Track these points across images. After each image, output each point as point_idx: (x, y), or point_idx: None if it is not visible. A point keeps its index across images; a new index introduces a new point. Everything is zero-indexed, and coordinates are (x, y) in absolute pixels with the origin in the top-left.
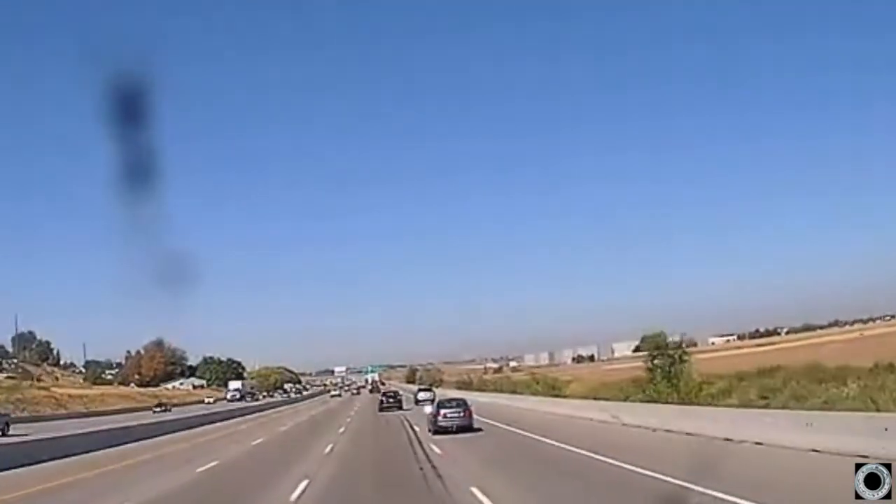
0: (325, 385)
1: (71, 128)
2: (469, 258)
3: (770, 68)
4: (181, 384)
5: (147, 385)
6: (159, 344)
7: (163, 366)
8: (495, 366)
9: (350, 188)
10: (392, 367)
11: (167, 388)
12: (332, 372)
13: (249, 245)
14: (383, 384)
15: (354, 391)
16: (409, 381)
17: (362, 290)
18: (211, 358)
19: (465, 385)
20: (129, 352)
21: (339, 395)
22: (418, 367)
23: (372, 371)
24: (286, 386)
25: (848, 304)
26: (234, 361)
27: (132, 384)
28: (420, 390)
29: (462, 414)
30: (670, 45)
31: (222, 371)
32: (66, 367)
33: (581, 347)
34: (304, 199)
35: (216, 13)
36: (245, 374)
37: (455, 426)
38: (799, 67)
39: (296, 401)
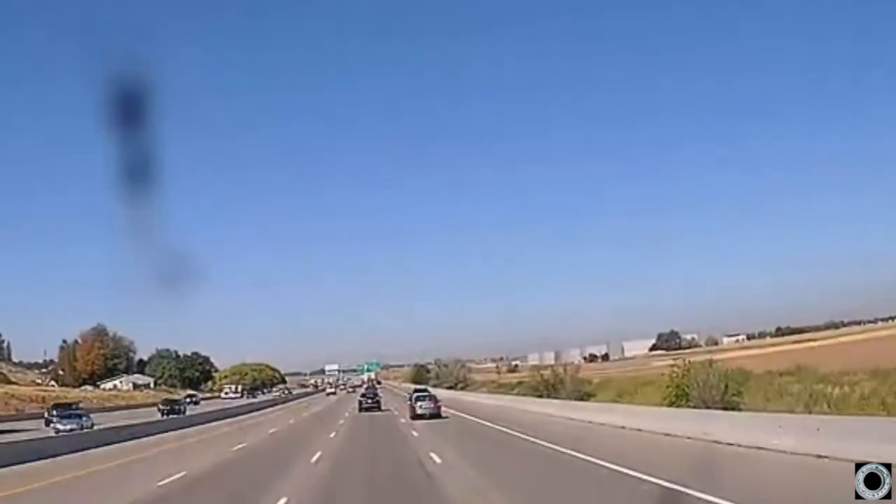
0: (307, 386)
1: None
2: (463, 258)
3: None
4: (122, 382)
5: (84, 383)
6: (100, 332)
7: (102, 359)
8: (496, 365)
9: (349, 186)
10: (388, 366)
11: (88, 389)
12: (324, 371)
13: (245, 244)
14: (379, 383)
15: (350, 389)
16: (415, 381)
17: (358, 289)
18: (166, 351)
19: (550, 387)
20: (64, 342)
21: (335, 393)
22: (431, 365)
23: (368, 369)
24: (226, 388)
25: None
26: (198, 356)
27: (52, 383)
28: (416, 391)
29: (433, 405)
30: (692, 42)
31: (178, 367)
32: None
33: (589, 347)
34: (301, 197)
35: (217, 12)
36: (214, 372)
37: (428, 413)
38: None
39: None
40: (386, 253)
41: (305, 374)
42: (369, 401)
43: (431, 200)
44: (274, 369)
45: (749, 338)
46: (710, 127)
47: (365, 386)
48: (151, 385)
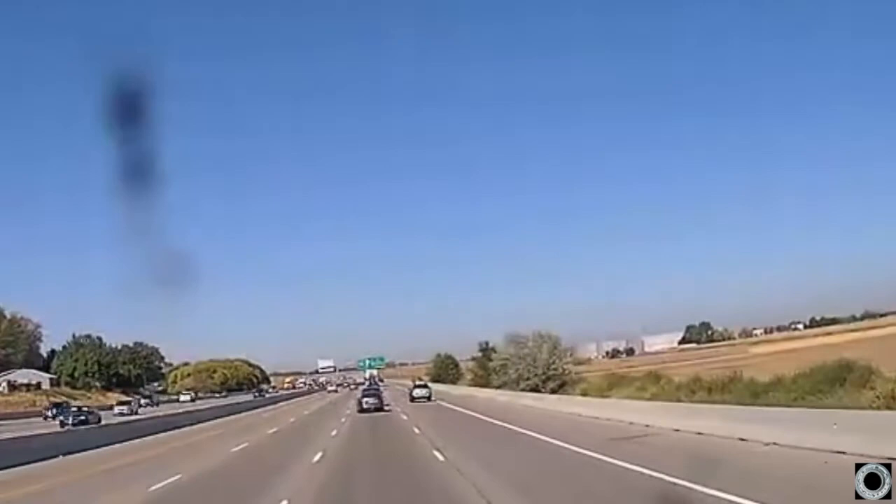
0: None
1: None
2: (466, 256)
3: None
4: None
5: None
6: None
7: None
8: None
9: (352, 184)
10: (393, 364)
11: None
12: (318, 371)
13: (242, 241)
14: (381, 381)
15: (353, 387)
16: (435, 378)
17: (358, 289)
18: (87, 338)
19: None
20: None
21: (336, 391)
22: (483, 351)
23: (370, 366)
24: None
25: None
26: (142, 347)
27: None
28: (416, 387)
29: (377, 401)
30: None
31: (100, 361)
32: None
33: (606, 342)
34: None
35: (218, 12)
36: (171, 369)
37: (373, 408)
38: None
39: None
40: (390, 252)
41: (306, 374)
42: (371, 399)
43: (435, 197)
44: (253, 365)
45: (767, 331)
46: (733, 123)
47: (367, 384)
48: (47, 385)
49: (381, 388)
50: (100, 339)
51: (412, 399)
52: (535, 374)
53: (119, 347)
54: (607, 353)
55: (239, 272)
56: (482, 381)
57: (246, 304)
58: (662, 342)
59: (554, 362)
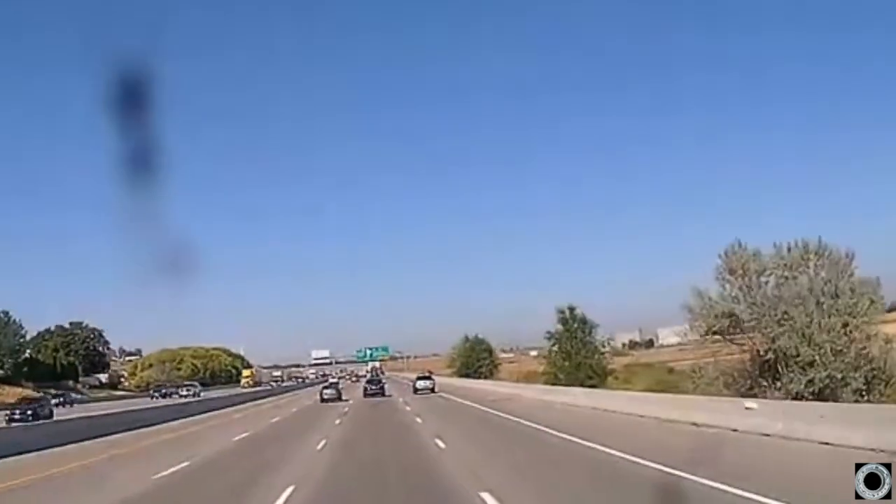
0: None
1: None
2: (469, 246)
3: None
4: None
5: None
6: None
7: None
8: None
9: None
10: (397, 357)
11: None
12: (312, 362)
13: (241, 230)
14: (383, 373)
15: (354, 379)
16: (461, 373)
17: (362, 277)
18: (6, 315)
19: None
20: None
21: (338, 384)
22: (565, 323)
23: (372, 357)
24: None
25: None
26: (81, 328)
27: None
28: (419, 379)
29: (378, 388)
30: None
31: (16, 341)
32: None
33: (619, 333)
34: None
35: (221, 5)
36: (112, 356)
37: (376, 393)
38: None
39: None
40: (393, 243)
41: (304, 366)
42: (330, 391)
43: (438, 188)
44: (235, 356)
45: None
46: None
47: (368, 376)
48: None
49: (384, 380)
50: (6, 313)
51: (416, 391)
52: (832, 351)
53: (52, 329)
54: (623, 344)
55: (235, 260)
56: (577, 380)
57: (241, 293)
58: (676, 334)
59: (856, 317)
